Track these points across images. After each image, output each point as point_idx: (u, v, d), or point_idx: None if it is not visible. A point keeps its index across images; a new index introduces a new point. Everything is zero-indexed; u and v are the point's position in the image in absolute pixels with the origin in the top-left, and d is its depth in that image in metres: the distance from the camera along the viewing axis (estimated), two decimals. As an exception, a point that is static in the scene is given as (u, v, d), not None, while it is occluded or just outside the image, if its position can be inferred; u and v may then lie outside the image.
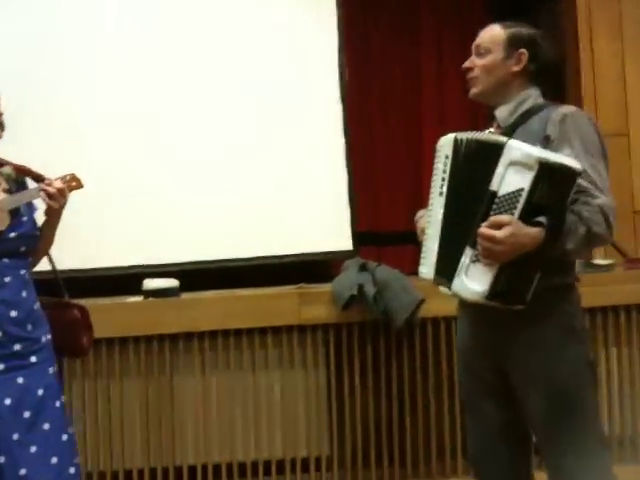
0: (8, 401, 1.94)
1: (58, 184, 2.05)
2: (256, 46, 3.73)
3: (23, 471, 1.91)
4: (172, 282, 3.28)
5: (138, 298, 3.25)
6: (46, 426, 1.98)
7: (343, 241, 3.77)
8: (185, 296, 3.27)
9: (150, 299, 3.21)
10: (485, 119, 2.10)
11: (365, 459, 3.17)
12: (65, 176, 2.10)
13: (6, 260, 1.99)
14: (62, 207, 2.09)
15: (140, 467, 3.14)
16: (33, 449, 1.94)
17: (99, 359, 3.12)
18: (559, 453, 1.82)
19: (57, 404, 2.04)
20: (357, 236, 3.78)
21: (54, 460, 1.97)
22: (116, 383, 3.13)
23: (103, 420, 3.13)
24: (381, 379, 3.17)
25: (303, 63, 3.76)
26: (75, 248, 3.29)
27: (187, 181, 3.63)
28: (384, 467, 3.16)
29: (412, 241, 4.05)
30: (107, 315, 3.11)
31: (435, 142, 3.98)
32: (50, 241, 2.20)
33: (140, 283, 3.28)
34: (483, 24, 2.02)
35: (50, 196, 2.03)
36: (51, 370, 2.06)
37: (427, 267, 1.91)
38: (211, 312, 3.16)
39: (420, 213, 2.16)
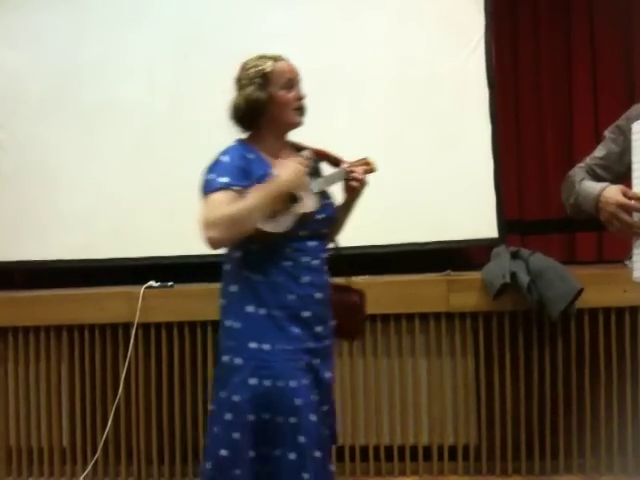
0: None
1: (361, 168, 2.04)
2: (403, 33, 3.72)
3: (302, 439, 1.85)
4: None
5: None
6: (325, 408, 1.96)
7: (487, 229, 3.69)
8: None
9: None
10: None
11: (515, 450, 3.11)
12: (360, 160, 2.09)
13: (314, 242, 1.96)
14: (362, 191, 2.06)
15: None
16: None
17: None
18: None
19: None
20: (503, 224, 3.69)
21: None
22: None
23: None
24: (533, 370, 3.10)
25: (450, 50, 3.70)
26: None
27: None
28: (535, 459, 3.09)
29: (561, 229, 4.00)
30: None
31: (587, 131, 3.84)
32: (343, 224, 2.15)
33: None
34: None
35: (356, 179, 2.03)
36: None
37: None
38: (359, 296, 3.19)
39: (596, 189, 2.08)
